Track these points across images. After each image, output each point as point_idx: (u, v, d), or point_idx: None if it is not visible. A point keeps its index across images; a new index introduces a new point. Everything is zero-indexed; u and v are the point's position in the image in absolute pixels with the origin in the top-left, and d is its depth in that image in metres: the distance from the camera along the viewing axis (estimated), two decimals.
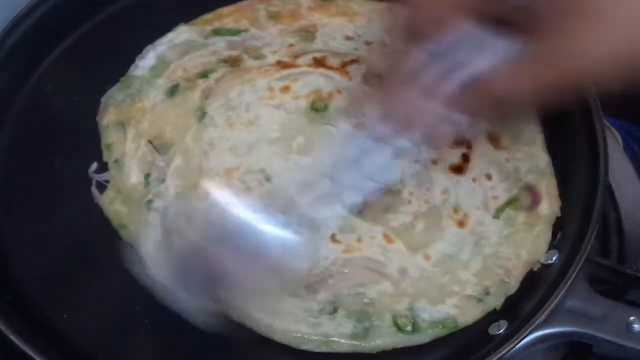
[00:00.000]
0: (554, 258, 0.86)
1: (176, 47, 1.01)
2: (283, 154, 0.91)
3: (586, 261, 0.83)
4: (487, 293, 0.84)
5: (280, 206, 0.82)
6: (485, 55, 0.75)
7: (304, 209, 0.87)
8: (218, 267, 0.76)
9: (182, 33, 1.03)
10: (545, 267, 0.86)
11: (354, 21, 1.05)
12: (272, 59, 0.99)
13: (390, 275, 0.84)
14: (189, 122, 0.93)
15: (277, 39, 1.02)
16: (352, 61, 0.99)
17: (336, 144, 0.90)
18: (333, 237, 0.86)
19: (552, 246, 0.87)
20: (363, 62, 0.99)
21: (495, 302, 0.84)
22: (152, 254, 0.85)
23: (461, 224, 0.88)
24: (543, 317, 0.79)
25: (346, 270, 0.84)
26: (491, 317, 0.84)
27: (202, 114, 0.94)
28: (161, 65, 0.99)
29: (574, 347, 0.87)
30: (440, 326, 0.82)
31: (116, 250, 0.87)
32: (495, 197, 0.90)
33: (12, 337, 0.77)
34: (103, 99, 0.97)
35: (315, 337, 0.81)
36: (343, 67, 0.98)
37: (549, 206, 0.89)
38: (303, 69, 0.98)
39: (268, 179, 0.89)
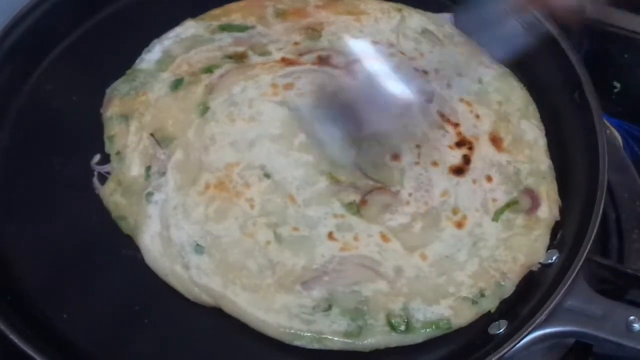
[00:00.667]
0: (553, 258, 0.86)
1: (182, 41, 1.02)
2: (284, 150, 0.91)
3: (586, 261, 0.83)
4: (482, 295, 0.84)
5: None
6: None
7: (302, 206, 0.87)
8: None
9: (189, 28, 1.03)
10: (545, 266, 0.86)
11: (360, 20, 1.05)
12: (277, 55, 1.00)
13: (386, 274, 0.84)
14: (191, 117, 0.94)
15: (283, 36, 1.02)
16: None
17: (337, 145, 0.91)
18: (330, 235, 0.86)
19: (552, 246, 0.87)
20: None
21: (490, 304, 0.83)
22: (150, 245, 0.86)
23: (459, 225, 0.88)
24: (543, 316, 0.79)
25: (342, 268, 0.84)
26: (490, 316, 0.84)
27: (204, 109, 0.94)
28: (166, 59, 1.00)
29: (574, 346, 0.87)
30: (434, 327, 0.82)
31: (116, 251, 0.88)
32: (494, 200, 0.90)
33: (12, 337, 0.78)
34: (108, 91, 0.98)
35: (309, 334, 0.81)
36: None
37: (548, 210, 0.89)
38: (307, 66, 0.98)
39: (268, 175, 0.89)
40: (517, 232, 0.87)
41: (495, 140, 0.94)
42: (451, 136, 0.94)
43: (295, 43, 1.01)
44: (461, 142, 0.93)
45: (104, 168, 0.93)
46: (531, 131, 0.95)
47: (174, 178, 0.90)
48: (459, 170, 0.91)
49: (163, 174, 0.90)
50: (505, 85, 1.00)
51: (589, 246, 0.83)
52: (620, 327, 0.80)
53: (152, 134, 0.93)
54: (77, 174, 0.93)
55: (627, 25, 1.16)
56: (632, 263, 0.94)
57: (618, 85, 1.23)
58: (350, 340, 0.81)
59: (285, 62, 0.99)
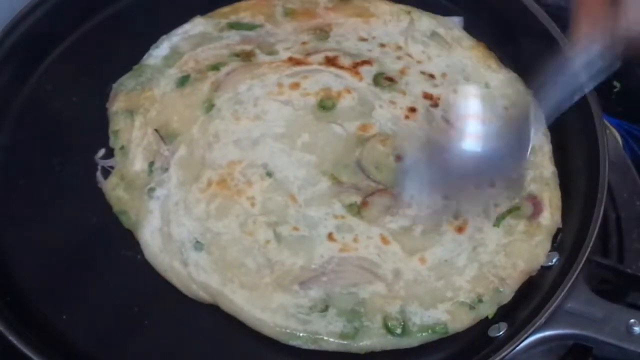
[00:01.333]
0: (554, 260, 0.86)
1: (190, 38, 1.02)
2: (287, 150, 0.91)
3: (586, 261, 0.82)
4: (480, 301, 0.83)
5: None
6: None
7: (302, 206, 0.87)
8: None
9: (197, 25, 1.04)
10: (545, 269, 0.86)
11: (369, 22, 1.04)
12: (284, 55, 1.00)
13: (384, 276, 0.84)
14: (196, 113, 0.94)
15: (291, 36, 1.02)
16: (364, 62, 0.99)
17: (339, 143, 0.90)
18: (330, 236, 0.86)
19: (552, 248, 0.87)
20: (375, 64, 0.99)
21: (488, 310, 0.83)
22: (150, 241, 0.86)
23: (460, 229, 0.87)
24: (543, 319, 0.79)
25: (341, 269, 0.84)
26: (490, 319, 0.83)
27: (209, 106, 0.94)
28: (174, 55, 1.00)
29: (573, 348, 0.86)
30: (430, 331, 0.81)
31: (115, 251, 0.88)
32: (496, 205, 0.89)
33: (11, 337, 0.78)
34: (114, 86, 0.98)
35: (304, 334, 0.81)
36: (354, 68, 0.98)
37: (550, 217, 0.88)
38: (314, 66, 0.98)
39: (270, 174, 0.89)
40: (517, 238, 0.87)
41: None
42: None
43: (303, 43, 1.01)
44: None
45: (108, 162, 0.93)
46: (536, 137, 0.94)
47: (177, 174, 0.90)
48: None
49: (166, 169, 0.90)
50: (512, 90, 0.99)
51: (589, 249, 0.82)
52: (621, 330, 0.80)
53: (156, 130, 0.93)
54: (77, 174, 0.93)
55: None
56: (632, 263, 0.94)
57: (618, 85, 1.23)
58: (345, 342, 0.81)
59: (292, 61, 0.99)
